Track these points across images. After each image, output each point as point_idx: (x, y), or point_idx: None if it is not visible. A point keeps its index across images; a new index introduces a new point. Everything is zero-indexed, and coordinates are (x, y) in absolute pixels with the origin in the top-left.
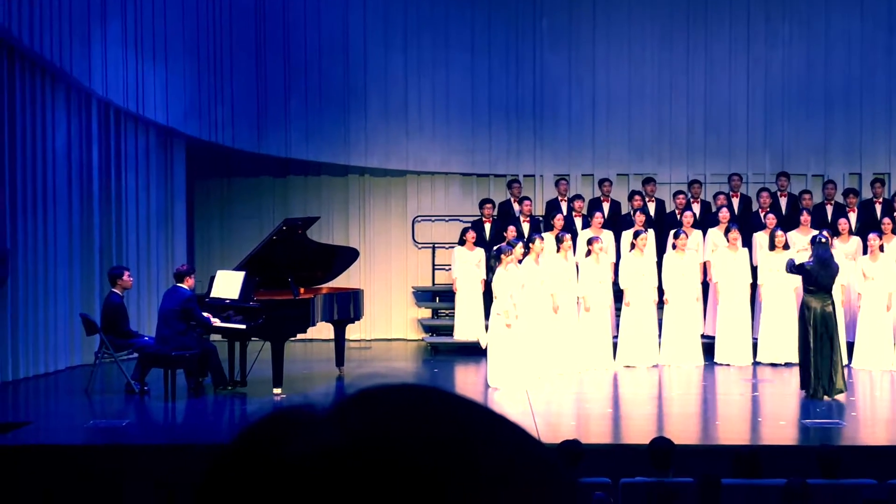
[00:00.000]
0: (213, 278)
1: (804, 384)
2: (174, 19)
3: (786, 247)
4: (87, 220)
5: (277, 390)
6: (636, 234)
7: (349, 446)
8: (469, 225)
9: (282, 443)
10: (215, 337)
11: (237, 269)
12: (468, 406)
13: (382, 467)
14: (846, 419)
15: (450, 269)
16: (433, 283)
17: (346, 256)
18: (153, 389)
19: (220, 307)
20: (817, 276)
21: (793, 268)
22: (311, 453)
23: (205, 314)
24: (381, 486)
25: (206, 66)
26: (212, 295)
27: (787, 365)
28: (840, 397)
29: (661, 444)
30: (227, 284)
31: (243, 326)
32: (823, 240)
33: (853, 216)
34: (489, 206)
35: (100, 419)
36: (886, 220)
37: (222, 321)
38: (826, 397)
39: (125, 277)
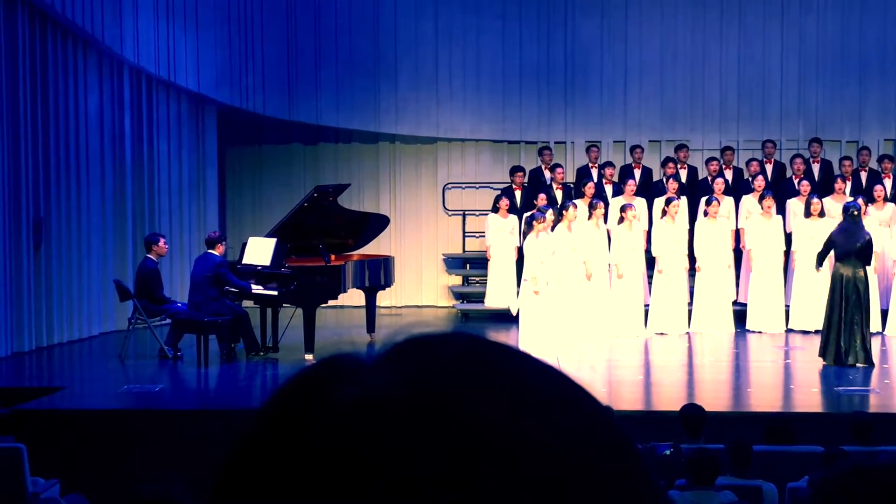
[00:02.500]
0: (244, 245)
1: (822, 352)
2: None
3: (821, 214)
4: (119, 187)
5: (309, 356)
6: (668, 202)
7: (402, 390)
8: (500, 192)
9: (331, 387)
10: (247, 303)
11: (269, 235)
12: (522, 356)
13: (437, 412)
14: (879, 387)
15: (480, 236)
16: (463, 251)
17: (377, 223)
18: (186, 355)
19: (252, 274)
20: (839, 242)
21: (820, 261)
22: (362, 398)
23: (244, 281)
24: (434, 431)
25: (237, 33)
26: (244, 262)
27: (819, 332)
28: (867, 366)
29: (692, 410)
30: (259, 251)
31: (275, 293)
32: (855, 212)
33: (888, 182)
34: (520, 173)
35: (133, 384)
36: None
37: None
38: (858, 364)
39: (161, 244)
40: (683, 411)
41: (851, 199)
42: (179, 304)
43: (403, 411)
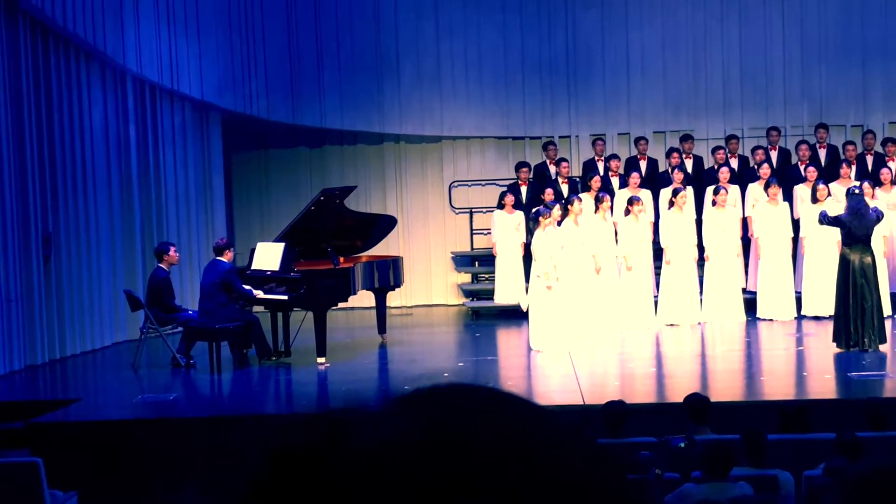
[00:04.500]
0: (253, 250)
1: (836, 337)
2: None
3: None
4: (126, 197)
5: (321, 359)
6: (675, 192)
7: (408, 438)
8: (506, 188)
9: (339, 439)
10: (258, 308)
11: (277, 240)
12: (522, 404)
13: (440, 458)
14: (892, 371)
15: (488, 233)
16: (472, 248)
17: (385, 224)
18: (198, 362)
19: (262, 279)
20: (851, 226)
21: (825, 219)
22: (370, 447)
23: (246, 286)
24: (439, 478)
25: (239, 38)
26: (253, 267)
27: (831, 318)
28: (883, 348)
29: (696, 399)
30: (268, 256)
31: (285, 297)
32: (857, 191)
33: (894, 165)
34: (525, 169)
35: (147, 394)
36: None
37: (265, 293)
38: (869, 348)
39: (171, 253)
40: (687, 400)
41: (857, 183)
42: (190, 312)
43: (408, 460)
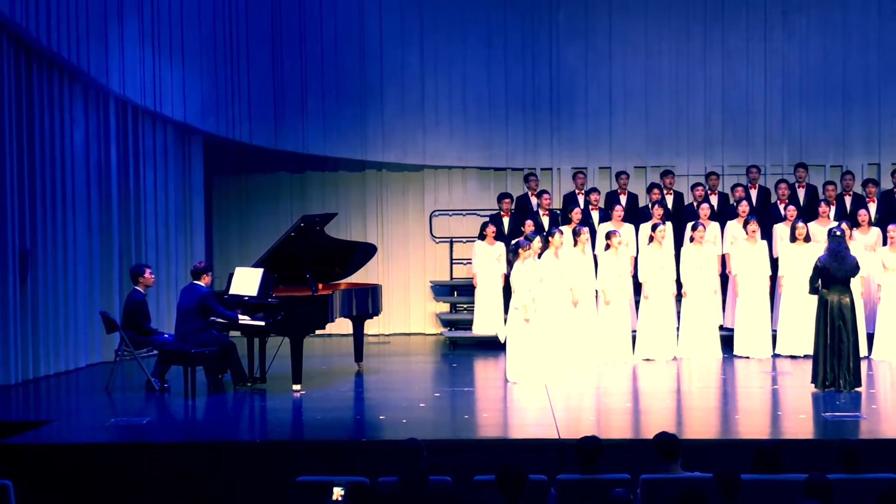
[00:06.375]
0: (231, 275)
1: (815, 378)
2: (190, 16)
3: (807, 238)
4: (105, 218)
5: (297, 387)
6: (654, 227)
7: None
8: (488, 219)
9: None
10: (234, 333)
11: (256, 265)
12: None
13: None
14: (867, 412)
15: (468, 263)
16: (451, 278)
17: (365, 252)
18: (173, 387)
19: (239, 304)
20: (830, 268)
21: (814, 272)
22: None
23: (230, 311)
24: None
25: (223, 62)
26: (231, 292)
27: (807, 357)
28: (859, 390)
29: (665, 438)
30: (246, 281)
31: (262, 323)
32: (839, 233)
33: (873, 206)
34: (507, 200)
35: (120, 417)
36: None
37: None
38: (844, 390)
39: (147, 275)
40: (656, 439)
41: (836, 223)
42: (166, 336)
43: None
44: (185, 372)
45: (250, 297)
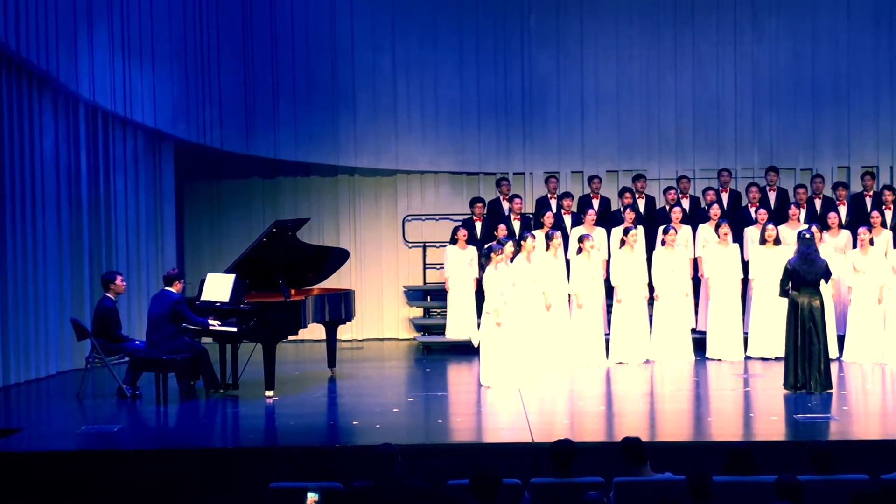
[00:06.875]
0: (203, 281)
1: (786, 380)
2: (161, 22)
3: (776, 241)
4: (76, 224)
5: (269, 392)
6: (626, 231)
7: None
8: (460, 223)
9: None
10: (206, 340)
11: (227, 271)
12: None
13: None
14: (838, 413)
15: (441, 267)
16: (424, 283)
17: (337, 257)
18: (145, 394)
19: (211, 310)
20: (800, 271)
21: (784, 274)
22: None
23: (202, 318)
24: None
25: (194, 68)
26: (202, 298)
27: (778, 359)
28: (830, 392)
29: (631, 442)
30: (218, 287)
31: (234, 329)
32: (808, 236)
33: (843, 209)
34: (479, 204)
35: (91, 424)
36: (875, 213)
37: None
38: (816, 391)
39: (118, 282)
40: (624, 443)
41: (806, 226)
42: (137, 343)
43: None
44: (156, 379)
45: (222, 303)
